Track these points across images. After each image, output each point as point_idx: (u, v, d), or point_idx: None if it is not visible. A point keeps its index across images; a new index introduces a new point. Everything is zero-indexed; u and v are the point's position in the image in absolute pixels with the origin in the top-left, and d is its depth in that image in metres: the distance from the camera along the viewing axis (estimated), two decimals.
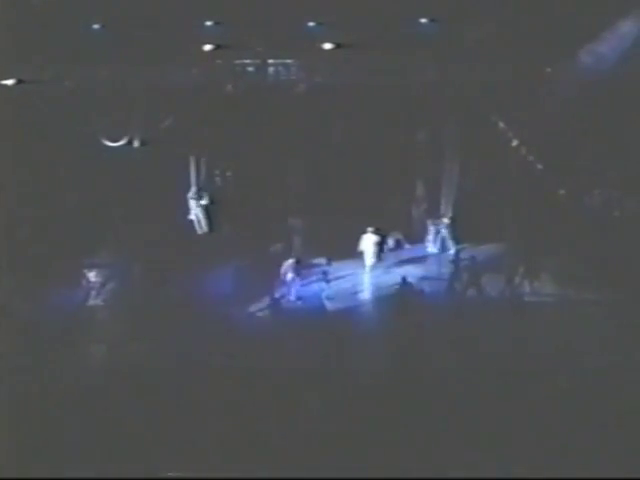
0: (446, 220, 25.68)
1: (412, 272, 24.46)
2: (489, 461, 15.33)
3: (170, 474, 15.03)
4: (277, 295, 22.75)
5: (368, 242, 24.71)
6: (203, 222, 25.84)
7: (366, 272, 24.62)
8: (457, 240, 25.83)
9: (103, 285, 23.84)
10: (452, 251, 25.47)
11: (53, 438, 15.96)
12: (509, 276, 23.28)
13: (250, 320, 21.53)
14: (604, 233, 22.62)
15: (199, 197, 25.83)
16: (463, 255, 24.76)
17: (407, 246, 25.92)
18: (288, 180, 26.00)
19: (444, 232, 25.80)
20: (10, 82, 23.05)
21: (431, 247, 25.96)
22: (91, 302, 23.07)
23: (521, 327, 20.47)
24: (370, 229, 24.70)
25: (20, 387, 17.62)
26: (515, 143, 24.20)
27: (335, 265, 24.09)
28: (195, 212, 25.85)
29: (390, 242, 25.60)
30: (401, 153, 24.94)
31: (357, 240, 24.76)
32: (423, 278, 24.26)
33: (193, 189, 25.84)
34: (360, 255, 24.69)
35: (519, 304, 22.21)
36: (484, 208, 24.26)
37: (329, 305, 22.58)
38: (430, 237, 25.97)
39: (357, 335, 20.56)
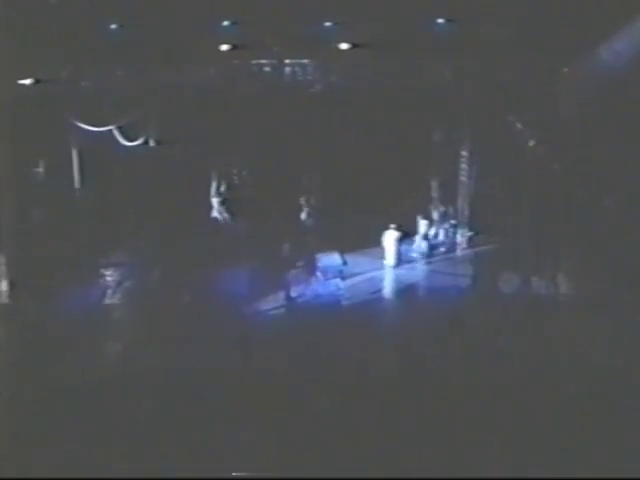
0: (460, 219, 25.75)
1: (430, 270, 24.59)
2: (500, 459, 15.27)
3: (182, 475, 14.99)
4: (293, 294, 22.76)
5: (390, 239, 24.75)
6: (227, 218, 26.13)
7: (387, 270, 24.69)
8: (473, 239, 25.91)
9: (119, 284, 23.92)
10: (468, 250, 25.55)
11: (68, 436, 15.98)
12: (525, 276, 23.25)
13: (266, 319, 21.52)
14: (622, 234, 22.48)
15: (219, 192, 26.08)
16: (479, 254, 24.78)
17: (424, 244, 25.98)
18: (304, 180, 26.06)
19: (460, 231, 25.85)
20: (27, 82, 23.14)
21: (446, 246, 25.99)
22: (107, 301, 23.14)
23: (537, 326, 20.39)
24: (392, 226, 24.75)
25: (35, 386, 17.65)
26: (532, 143, 24.11)
27: (351, 264, 24.13)
28: (218, 210, 26.08)
29: (418, 241, 25.67)
30: (417, 153, 24.96)
31: (372, 240, 24.83)
32: (439, 277, 24.38)
33: (214, 186, 26.03)
34: (377, 253, 24.76)
35: (535, 303, 22.12)
36: (500, 208, 24.26)
37: (346, 304, 22.54)
38: (446, 236, 25.99)
39: (373, 334, 20.49)
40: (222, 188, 26.36)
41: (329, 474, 14.82)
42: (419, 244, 25.83)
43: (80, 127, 24.83)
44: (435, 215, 26.33)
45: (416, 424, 16.27)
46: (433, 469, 14.98)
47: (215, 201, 26.26)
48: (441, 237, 26.20)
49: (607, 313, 20.68)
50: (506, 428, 16.09)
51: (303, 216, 26.07)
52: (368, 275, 24.30)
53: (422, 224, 25.76)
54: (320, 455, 15.40)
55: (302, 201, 26.06)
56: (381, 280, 24.40)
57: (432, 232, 26.01)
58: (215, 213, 26.31)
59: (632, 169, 22.60)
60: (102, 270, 24.56)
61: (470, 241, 25.98)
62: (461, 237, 25.92)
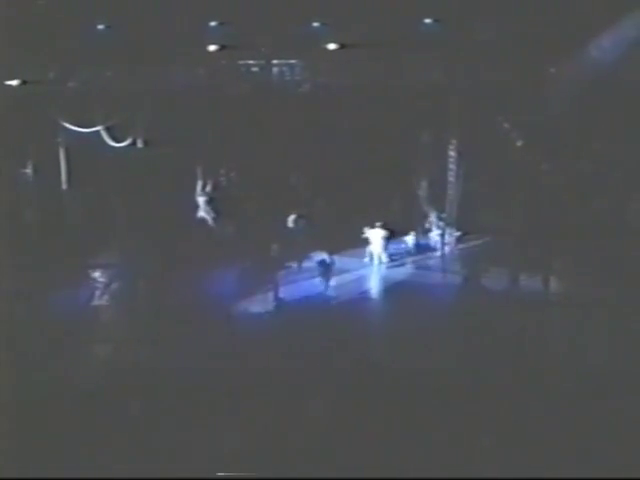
0: (449, 219, 25.83)
1: (418, 269, 24.71)
2: (489, 460, 15.26)
3: (173, 475, 14.94)
4: (281, 294, 22.73)
5: (377, 238, 24.83)
6: (213, 217, 26.23)
7: (374, 268, 24.79)
8: (461, 238, 25.99)
9: (107, 285, 23.85)
10: (455, 249, 25.67)
11: (57, 439, 15.91)
12: (513, 275, 23.31)
13: (255, 320, 21.49)
14: (610, 233, 22.58)
15: (205, 191, 26.14)
16: (467, 254, 24.88)
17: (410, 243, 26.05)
18: (292, 180, 26.07)
19: (448, 231, 25.92)
20: (14, 82, 23.10)
21: (435, 245, 26.06)
22: (95, 302, 23.06)
23: (526, 324, 20.43)
24: (378, 224, 24.84)
25: (23, 387, 17.55)
26: (520, 143, 24.20)
27: (339, 263, 24.18)
28: (205, 209, 26.15)
29: (408, 240, 25.81)
30: (405, 153, 25.00)
31: (361, 241, 24.89)
32: (428, 275, 24.49)
33: (199, 185, 26.06)
34: (364, 253, 24.87)
35: (524, 302, 22.13)
36: (489, 208, 24.34)
37: (335, 303, 22.52)
38: (434, 235, 26.06)
39: (362, 333, 20.46)
40: (208, 188, 26.33)
41: (324, 474, 14.78)
42: (407, 243, 25.91)
43: (68, 128, 24.82)
44: (423, 215, 26.37)
45: (407, 423, 16.26)
46: (424, 469, 14.96)
47: (201, 200, 26.25)
48: (429, 237, 26.23)
49: (596, 311, 20.72)
50: (500, 426, 16.10)
51: (291, 217, 26.05)
52: (356, 274, 24.34)
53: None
54: (315, 455, 15.36)
55: (291, 201, 26.03)
56: (369, 279, 24.44)
57: (411, 239, 26.05)
58: (201, 213, 26.31)
59: (621, 168, 22.72)
60: (90, 271, 24.48)
61: (458, 241, 26.04)
62: (449, 237, 25.96)
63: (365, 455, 15.34)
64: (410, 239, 25.97)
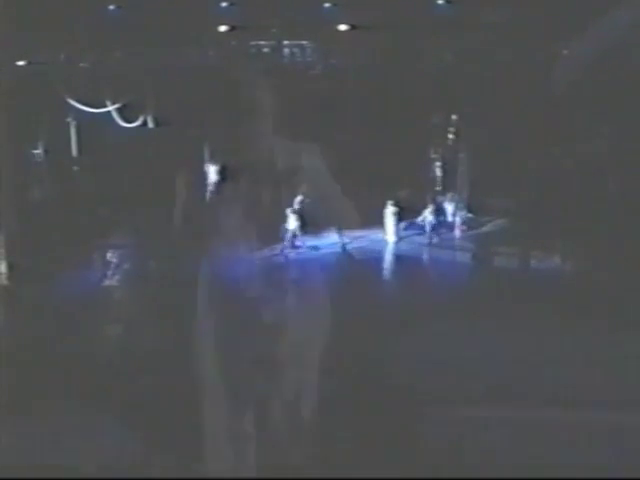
0: (460, 200, 25.82)
1: (427, 249, 24.96)
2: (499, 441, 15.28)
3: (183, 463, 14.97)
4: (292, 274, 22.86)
5: (389, 216, 25.06)
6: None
7: (386, 245, 24.96)
8: (472, 220, 25.99)
9: (119, 265, 23.92)
10: (466, 231, 25.69)
11: (68, 418, 16.02)
12: (523, 255, 23.33)
13: (265, 301, 21.51)
14: (622, 214, 22.52)
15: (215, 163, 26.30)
16: (477, 235, 24.92)
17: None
18: (303, 162, 26.03)
19: (459, 212, 25.93)
20: (25, 63, 23.11)
21: (446, 226, 26.09)
22: (107, 283, 23.14)
23: (535, 306, 20.41)
24: (391, 202, 24.94)
25: (35, 368, 17.68)
26: (531, 125, 24.10)
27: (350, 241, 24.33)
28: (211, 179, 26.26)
29: (419, 221, 25.88)
30: (417, 135, 24.94)
31: (372, 221, 24.93)
32: (437, 255, 24.67)
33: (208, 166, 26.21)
34: (377, 231, 25.12)
35: (533, 283, 22.14)
36: (500, 189, 24.30)
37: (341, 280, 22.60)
38: (446, 216, 26.07)
39: (370, 309, 20.50)
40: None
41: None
42: (418, 223, 25.96)
43: (79, 108, 24.85)
44: (434, 196, 26.36)
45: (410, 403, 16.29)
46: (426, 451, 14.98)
47: (211, 168, 26.44)
48: (440, 217, 26.22)
49: (608, 292, 20.69)
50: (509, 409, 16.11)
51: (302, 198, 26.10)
52: (366, 252, 24.51)
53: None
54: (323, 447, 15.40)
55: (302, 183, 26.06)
56: (380, 254, 24.56)
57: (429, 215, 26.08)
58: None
59: (633, 149, 22.63)
60: (101, 252, 24.55)
61: (469, 222, 26.03)
62: (460, 218, 25.96)
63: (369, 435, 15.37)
64: (421, 219, 25.95)
